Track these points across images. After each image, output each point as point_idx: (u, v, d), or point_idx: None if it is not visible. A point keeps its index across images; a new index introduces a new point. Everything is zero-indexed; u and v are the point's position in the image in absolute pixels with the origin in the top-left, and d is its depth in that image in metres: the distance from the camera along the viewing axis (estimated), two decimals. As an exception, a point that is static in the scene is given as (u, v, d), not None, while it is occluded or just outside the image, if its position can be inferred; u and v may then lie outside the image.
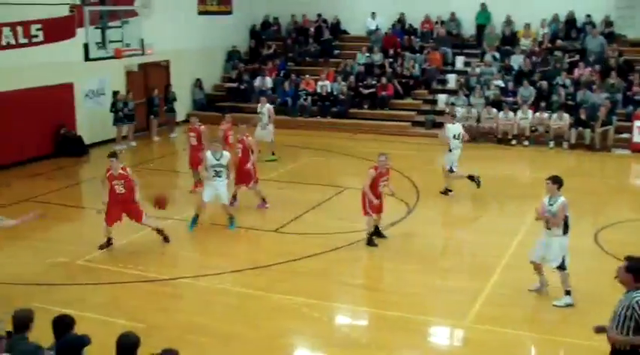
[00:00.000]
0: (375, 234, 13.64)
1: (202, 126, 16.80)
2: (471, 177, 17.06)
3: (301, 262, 12.62)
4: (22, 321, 6.91)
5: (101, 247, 13.13)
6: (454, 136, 16.80)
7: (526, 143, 22.75)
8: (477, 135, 22.97)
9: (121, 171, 12.92)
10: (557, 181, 10.73)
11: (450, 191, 17.01)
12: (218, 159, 14.02)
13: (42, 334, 7.05)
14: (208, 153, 14.26)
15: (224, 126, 17.78)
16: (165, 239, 13.54)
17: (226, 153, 14.19)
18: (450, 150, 16.82)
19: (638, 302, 6.66)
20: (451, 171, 16.84)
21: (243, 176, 15.48)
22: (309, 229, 14.47)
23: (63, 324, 6.88)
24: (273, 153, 20.54)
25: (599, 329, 7.13)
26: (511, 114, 23.03)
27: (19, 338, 6.86)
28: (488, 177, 18.06)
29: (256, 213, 15.63)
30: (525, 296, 11.15)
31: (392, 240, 13.88)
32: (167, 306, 10.96)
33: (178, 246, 14.00)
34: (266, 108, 20.44)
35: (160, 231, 13.52)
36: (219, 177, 14.10)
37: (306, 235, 14.13)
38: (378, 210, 13.53)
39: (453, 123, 17.16)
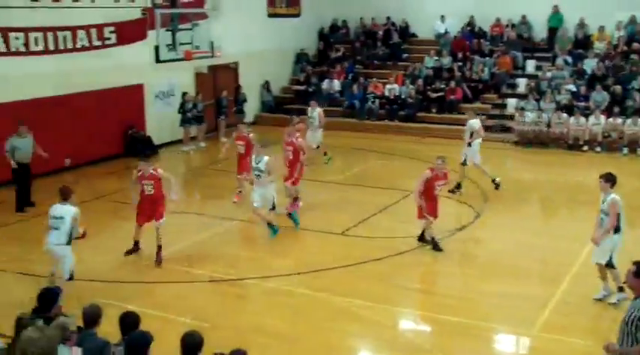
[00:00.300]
0: (420, 239, 13.54)
1: (251, 135, 16.64)
2: (493, 180, 17.42)
3: (366, 265, 12.57)
4: (91, 317, 7.06)
5: (128, 253, 13.01)
6: (472, 133, 17.26)
7: (598, 149, 22.23)
8: (547, 141, 22.58)
9: (152, 172, 12.87)
10: (609, 179, 10.74)
11: (460, 188, 17.15)
12: (257, 164, 13.85)
13: (109, 330, 7.16)
14: (253, 157, 14.23)
15: (297, 126, 17.86)
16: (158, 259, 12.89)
17: (266, 158, 13.83)
18: (470, 145, 17.19)
19: None
20: (464, 164, 17.19)
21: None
22: (375, 233, 14.41)
23: (130, 321, 6.97)
24: (325, 154, 20.41)
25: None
26: (583, 119, 22.53)
27: (88, 333, 6.99)
28: (558, 183, 17.79)
29: (323, 216, 15.62)
30: (595, 305, 10.88)
31: (459, 245, 13.74)
32: (232, 306, 11.05)
33: (244, 247, 14.13)
34: (317, 112, 20.29)
35: (159, 248, 12.87)
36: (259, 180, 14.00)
37: (371, 238, 14.07)
38: (433, 213, 13.35)
39: (475, 119, 17.54)
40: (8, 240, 14.47)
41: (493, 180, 17.42)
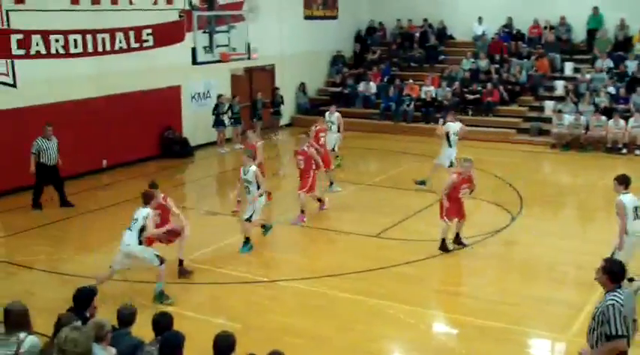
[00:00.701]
0: (456, 241, 13.48)
1: (259, 143, 16.42)
2: (420, 182, 17.84)
3: (400, 268, 12.52)
4: (126, 317, 7.20)
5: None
6: (454, 133, 17.48)
7: (638, 152, 21.90)
8: (585, 144, 22.33)
9: (161, 201, 11.92)
10: (621, 181, 11.18)
11: (424, 183, 17.63)
12: (245, 175, 13.41)
13: (143, 330, 7.22)
14: (241, 168, 13.72)
15: (318, 127, 17.89)
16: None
17: (252, 168, 13.38)
18: (451, 146, 17.45)
19: (608, 307, 6.55)
20: (451, 165, 17.16)
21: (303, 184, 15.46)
22: (409, 235, 14.35)
23: (163, 322, 7.03)
24: (336, 156, 19.94)
25: None
26: (622, 122, 22.22)
27: (123, 333, 7.10)
28: (597, 187, 17.56)
29: (358, 218, 15.60)
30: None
31: (494, 249, 13.64)
32: (265, 308, 11.07)
33: (278, 248, 14.15)
34: (335, 116, 19.87)
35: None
36: (248, 193, 13.51)
37: (405, 241, 14.02)
38: (459, 214, 13.31)
39: (454, 122, 17.74)
40: (43, 239, 14.67)
41: (421, 182, 17.77)
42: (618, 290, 6.69)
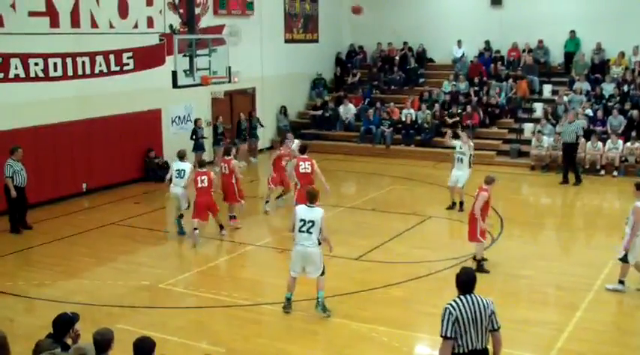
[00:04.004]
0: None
1: (234, 161, 16.73)
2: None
3: (382, 291, 12.52)
4: (102, 342, 6.95)
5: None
6: (459, 152, 17.63)
7: (615, 174, 22.10)
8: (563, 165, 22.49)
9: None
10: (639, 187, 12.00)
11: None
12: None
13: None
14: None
15: (282, 152, 18.06)
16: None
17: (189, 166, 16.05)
18: (454, 166, 17.63)
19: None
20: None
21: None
22: (391, 258, 14.35)
23: (145, 346, 6.94)
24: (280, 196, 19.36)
25: None
26: (599, 143, 22.44)
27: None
28: (575, 208, 17.66)
29: (339, 241, 15.49)
30: (613, 332, 10.80)
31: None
32: (248, 331, 11.00)
33: (260, 272, 14.09)
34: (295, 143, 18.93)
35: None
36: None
37: (387, 264, 14.02)
38: (483, 235, 13.41)
39: (464, 142, 17.71)
40: (22, 264, 14.55)
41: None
42: (461, 296, 7.20)
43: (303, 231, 11.04)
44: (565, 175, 20.98)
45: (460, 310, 7.06)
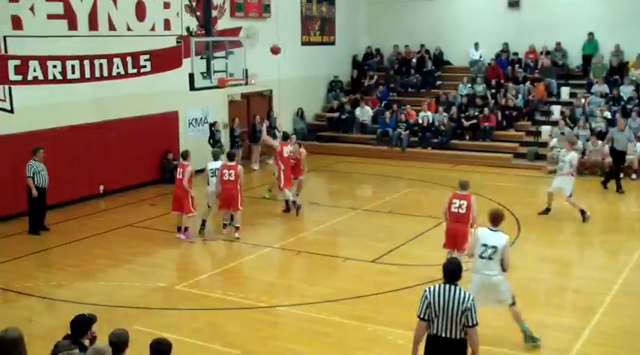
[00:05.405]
0: None
1: (239, 167, 16.41)
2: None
3: (398, 293, 12.49)
4: (118, 343, 7.00)
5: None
6: (562, 160, 17.39)
7: (634, 176, 21.95)
8: (581, 168, 22.34)
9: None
10: None
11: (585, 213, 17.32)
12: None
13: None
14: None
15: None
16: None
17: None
18: (572, 175, 17.24)
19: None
20: (570, 195, 17.24)
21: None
22: (407, 260, 14.33)
23: (161, 348, 6.96)
24: (269, 190, 19.85)
25: None
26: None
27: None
28: (594, 211, 17.55)
29: (355, 244, 15.59)
30: (630, 336, 10.72)
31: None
32: (264, 333, 11.01)
33: (276, 274, 14.11)
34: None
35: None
36: None
37: (404, 266, 14.00)
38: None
39: (568, 151, 17.50)
40: (41, 265, 14.64)
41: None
42: (442, 284, 7.61)
43: (484, 258, 9.90)
44: (606, 182, 20.82)
45: (434, 296, 7.49)
